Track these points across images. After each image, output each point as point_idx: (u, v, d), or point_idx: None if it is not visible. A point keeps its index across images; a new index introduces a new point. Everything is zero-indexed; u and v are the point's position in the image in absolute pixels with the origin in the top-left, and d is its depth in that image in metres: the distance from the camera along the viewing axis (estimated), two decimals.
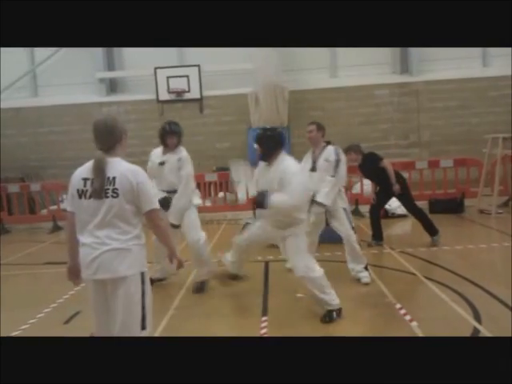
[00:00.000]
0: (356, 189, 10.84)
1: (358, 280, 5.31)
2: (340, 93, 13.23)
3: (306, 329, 4.10)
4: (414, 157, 12.40)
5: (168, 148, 5.35)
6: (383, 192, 7.08)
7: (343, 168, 5.34)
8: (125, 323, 2.77)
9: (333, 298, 4.28)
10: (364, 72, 13.07)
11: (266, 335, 4.03)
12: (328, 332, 4.02)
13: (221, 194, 11.24)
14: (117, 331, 2.78)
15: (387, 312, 4.42)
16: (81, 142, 13.56)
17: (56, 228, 10.32)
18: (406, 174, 10.35)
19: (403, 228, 8.73)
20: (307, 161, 5.50)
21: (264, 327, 4.21)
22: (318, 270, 4.23)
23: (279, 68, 12.53)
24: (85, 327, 4.37)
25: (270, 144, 4.38)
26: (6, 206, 10.65)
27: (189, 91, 13.21)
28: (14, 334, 4.36)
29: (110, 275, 2.75)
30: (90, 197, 2.75)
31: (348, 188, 9.61)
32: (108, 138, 2.83)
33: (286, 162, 4.30)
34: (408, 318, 4.20)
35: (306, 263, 4.22)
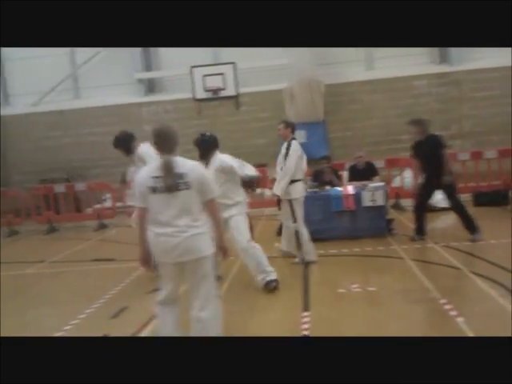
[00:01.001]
0: (396, 182, 10.66)
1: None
2: (377, 85, 13.03)
3: (347, 324, 4.09)
4: (455, 148, 12.04)
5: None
6: (429, 183, 6.74)
7: (291, 161, 5.95)
8: (205, 295, 3.38)
9: (269, 271, 5.10)
10: (401, 63, 12.81)
11: (307, 330, 4.05)
12: (371, 327, 3.99)
13: (258, 191, 11.28)
14: (200, 303, 3.39)
15: (432, 307, 4.36)
16: None
17: (101, 226, 10.65)
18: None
19: (446, 221, 8.52)
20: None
21: (305, 322, 4.22)
22: (257, 247, 5.09)
23: (314, 62, 12.45)
24: (131, 322, 4.55)
25: (205, 146, 5.11)
26: (53, 205, 11.05)
27: (224, 89, 13.30)
28: (65, 328, 4.56)
29: (194, 257, 3.29)
30: (163, 192, 3.20)
31: (388, 182, 9.49)
32: (169, 142, 3.34)
33: (220, 156, 5.06)
34: (454, 313, 4.13)
35: (247, 238, 5.03)
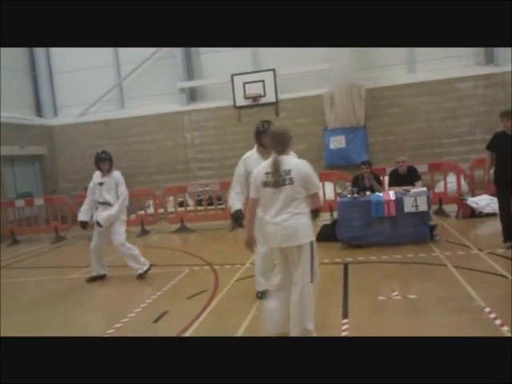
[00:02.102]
0: (439, 187, 10.39)
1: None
2: (420, 88, 12.77)
3: (386, 333, 4.01)
4: None
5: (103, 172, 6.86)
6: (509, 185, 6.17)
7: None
8: (303, 278, 3.75)
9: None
10: (445, 65, 12.52)
11: None
12: (410, 332, 3.90)
13: None
14: (300, 283, 3.75)
15: (476, 316, 4.21)
16: (164, 149, 14.26)
17: (144, 232, 10.91)
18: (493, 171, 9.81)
19: (492, 227, 8.22)
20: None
21: (345, 330, 4.18)
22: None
23: (355, 66, 12.35)
24: (172, 326, 4.63)
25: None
26: None
27: (264, 95, 13.40)
28: (109, 331, 4.69)
29: (294, 243, 3.71)
30: (272, 186, 3.72)
31: (431, 187, 9.27)
32: (282, 142, 3.83)
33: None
34: (498, 322, 3.99)
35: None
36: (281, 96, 13.43)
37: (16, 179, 13.62)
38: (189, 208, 11.44)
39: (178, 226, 10.93)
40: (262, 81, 13.32)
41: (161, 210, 11.34)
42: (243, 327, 4.47)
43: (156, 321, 4.90)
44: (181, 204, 11.55)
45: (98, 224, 6.78)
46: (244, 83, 13.37)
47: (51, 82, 15.26)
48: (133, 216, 11.61)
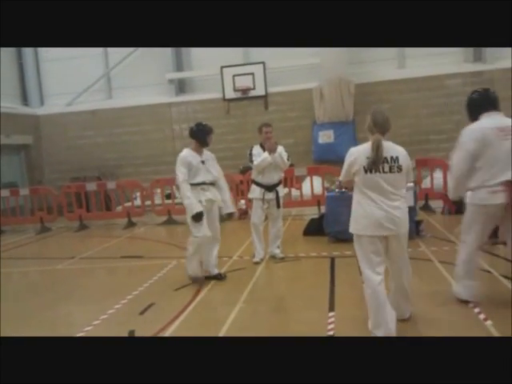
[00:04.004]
0: (426, 183, 10.48)
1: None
2: (409, 84, 12.85)
3: None
4: None
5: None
6: None
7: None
8: (407, 264, 3.87)
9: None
10: (434, 61, 12.59)
11: (332, 331, 4.04)
12: (397, 329, 3.94)
13: (285, 190, 11.28)
14: (406, 270, 3.85)
15: (460, 310, 4.27)
16: (152, 141, 14.17)
17: (130, 224, 10.85)
18: None
19: None
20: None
21: (331, 323, 4.21)
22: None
23: (344, 61, 12.36)
24: (158, 318, 4.63)
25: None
26: (84, 203, 11.31)
27: (254, 88, 13.37)
28: (95, 323, 4.67)
29: (399, 230, 3.68)
30: (375, 171, 3.59)
31: (417, 182, 9.33)
32: (386, 124, 3.69)
33: None
34: (482, 316, 4.05)
35: None
36: (270, 89, 13.42)
37: (1, 169, 13.43)
38: (176, 200, 11.38)
39: (165, 218, 10.89)
40: (252, 74, 13.29)
41: (148, 202, 11.27)
42: (230, 319, 4.47)
43: (142, 312, 4.88)
44: (168, 196, 11.50)
45: (232, 214, 6.21)
46: (233, 76, 13.32)
47: (38, 70, 15.04)
48: (119, 208, 11.55)
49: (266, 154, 6.21)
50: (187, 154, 5.65)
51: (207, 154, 5.80)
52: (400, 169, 3.63)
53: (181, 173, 5.55)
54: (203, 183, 5.64)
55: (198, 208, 5.46)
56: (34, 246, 9.71)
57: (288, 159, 6.47)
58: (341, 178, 3.91)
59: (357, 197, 3.76)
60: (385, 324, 3.64)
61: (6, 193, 11.57)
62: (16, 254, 8.76)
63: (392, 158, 3.62)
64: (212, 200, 5.71)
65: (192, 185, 5.57)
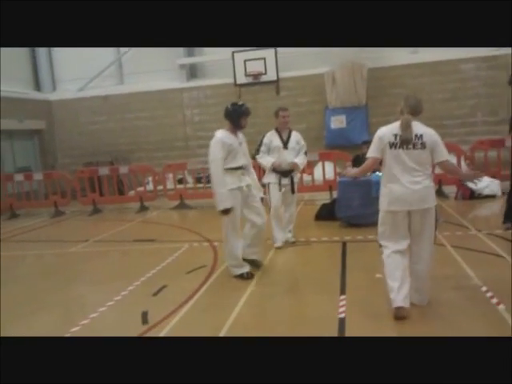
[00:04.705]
0: (437, 169, 10.37)
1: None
2: (422, 68, 12.67)
3: (383, 308, 4.05)
4: (503, 134, 11.58)
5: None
6: None
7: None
8: (429, 241, 3.89)
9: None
10: None
11: (343, 314, 4.05)
12: (408, 313, 3.93)
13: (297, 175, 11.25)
14: (428, 247, 3.91)
15: (473, 295, 4.25)
16: (164, 126, 14.19)
17: (143, 208, 10.93)
18: (494, 153, 9.80)
19: (491, 209, 8.27)
20: (274, 139, 6.26)
21: (342, 306, 4.22)
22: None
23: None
24: (171, 300, 4.68)
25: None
26: (97, 187, 11.41)
27: (265, 73, 13.27)
28: (108, 304, 4.74)
29: (423, 206, 3.76)
30: (400, 147, 3.74)
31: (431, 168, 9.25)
32: (416, 107, 3.85)
33: None
34: (495, 301, 4.03)
35: None
36: (282, 74, 13.31)
37: (15, 153, 13.58)
38: (188, 185, 11.43)
39: (177, 202, 10.94)
40: (263, 58, 13.18)
41: (160, 187, 11.33)
42: (241, 302, 4.51)
43: (155, 294, 4.94)
44: (180, 181, 11.54)
45: (262, 200, 5.53)
46: (245, 60, 13.23)
47: (50, 55, 15.07)
48: (132, 192, 11.63)
49: (270, 161, 6.25)
50: (224, 135, 5.09)
51: (240, 135, 5.32)
52: (424, 146, 3.74)
53: (219, 156, 4.94)
54: (242, 167, 5.17)
55: (228, 204, 4.95)
56: (48, 229, 9.83)
57: (305, 153, 6.48)
58: (367, 155, 3.97)
59: (383, 174, 3.92)
60: (395, 290, 3.79)
61: (20, 177, 11.70)
62: (30, 237, 8.89)
63: (416, 135, 3.75)
64: (250, 185, 5.25)
65: (231, 169, 5.04)
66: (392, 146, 3.77)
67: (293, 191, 6.40)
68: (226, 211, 4.98)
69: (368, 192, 7.11)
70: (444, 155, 3.86)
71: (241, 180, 5.13)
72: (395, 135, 3.77)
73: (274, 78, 13.31)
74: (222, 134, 5.09)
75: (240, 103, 5.31)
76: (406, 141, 3.72)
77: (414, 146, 3.74)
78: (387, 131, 3.83)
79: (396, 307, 3.80)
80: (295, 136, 6.47)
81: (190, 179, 11.84)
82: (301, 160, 6.40)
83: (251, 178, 5.36)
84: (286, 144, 6.37)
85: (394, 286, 3.81)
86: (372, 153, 3.90)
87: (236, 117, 5.16)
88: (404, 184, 3.75)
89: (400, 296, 3.79)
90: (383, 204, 3.91)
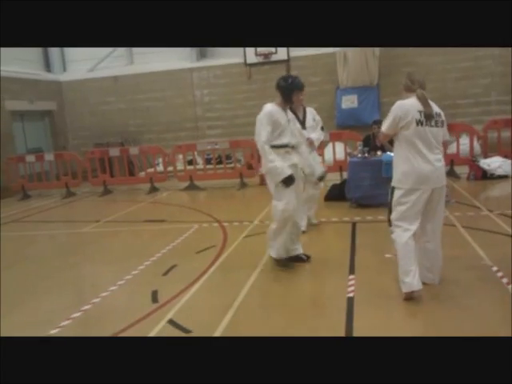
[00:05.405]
0: (451, 148, 10.25)
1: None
2: (435, 47, 12.42)
3: (392, 288, 4.05)
4: None
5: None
6: None
7: None
8: (442, 217, 3.97)
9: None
10: None
11: (352, 293, 4.06)
12: (425, 291, 3.91)
13: None
14: (441, 224, 3.98)
15: (484, 275, 4.23)
16: (173, 107, 14.15)
17: (153, 189, 10.97)
18: (507, 133, 9.64)
19: (503, 189, 8.18)
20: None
21: (351, 285, 4.23)
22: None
23: None
24: (181, 279, 4.72)
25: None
26: (108, 168, 11.46)
27: (276, 53, 13.12)
28: (119, 283, 4.80)
29: (441, 184, 3.82)
30: (426, 124, 3.72)
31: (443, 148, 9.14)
32: (424, 81, 3.85)
33: None
34: (505, 280, 4.01)
35: None
36: (292, 53, 13.15)
37: (26, 134, 13.64)
38: (198, 166, 11.43)
39: (187, 183, 10.97)
40: None
41: (170, 168, 11.35)
42: (250, 281, 4.54)
43: (166, 273, 4.99)
44: (190, 162, 11.54)
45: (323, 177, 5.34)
46: None
47: None
48: (142, 173, 11.67)
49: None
50: (273, 110, 4.64)
51: (290, 113, 4.88)
52: (442, 124, 3.81)
53: (265, 131, 4.53)
54: (287, 145, 4.69)
55: (287, 171, 4.51)
56: (59, 209, 9.93)
57: (322, 128, 6.34)
58: (384, 130, 3.88)
59: (403, 152, 3.79)
60: (412, 274, 3.76)
61: (31, 158, 11.78)
62: (42, 218, 8.99)
63: (437, 113, 3.78)
64: (296, 165, 4.75)
65: (274, 147, 4.59)
66: (419, 123, 3.71)
67: None
68: (289, 180, 4.52)
69: (378, 172, 7.06)
70: (447, 134, 3.96)
71: (285, 159, 4.62)
72: (420, 112, 3.71)
73: (285, 58, 13.16)
74: (269, 108, 4.65)
75: (293, 76, 4.87)
76: (429, 116, 3.72)
77: (436, 124, 3.76)
78: (411, 108, 3.73)
79: (412, 291, 3.77)
80: (310, 113, 6.22)
81: (199, 160, 11.84)
82: (317, 135, 6.15)
83: (303, 158, 4.87)
84: (303, 123, 5.95)
85: (412, 269, 3.76)
86: (389, 129, 3.83)
87: (287, 91, 4.68)
88: (431, 161, 3.73)
89: (416, 280, 3.75)
90: (406, 182, 3.76)
